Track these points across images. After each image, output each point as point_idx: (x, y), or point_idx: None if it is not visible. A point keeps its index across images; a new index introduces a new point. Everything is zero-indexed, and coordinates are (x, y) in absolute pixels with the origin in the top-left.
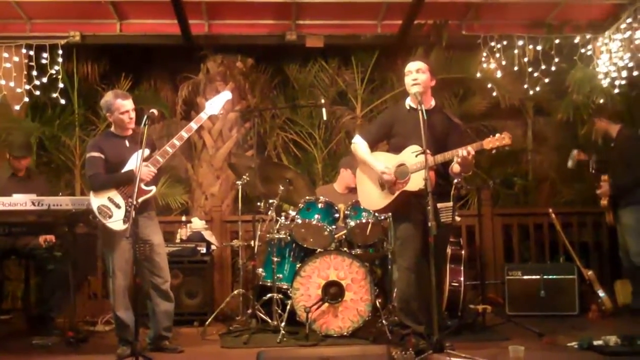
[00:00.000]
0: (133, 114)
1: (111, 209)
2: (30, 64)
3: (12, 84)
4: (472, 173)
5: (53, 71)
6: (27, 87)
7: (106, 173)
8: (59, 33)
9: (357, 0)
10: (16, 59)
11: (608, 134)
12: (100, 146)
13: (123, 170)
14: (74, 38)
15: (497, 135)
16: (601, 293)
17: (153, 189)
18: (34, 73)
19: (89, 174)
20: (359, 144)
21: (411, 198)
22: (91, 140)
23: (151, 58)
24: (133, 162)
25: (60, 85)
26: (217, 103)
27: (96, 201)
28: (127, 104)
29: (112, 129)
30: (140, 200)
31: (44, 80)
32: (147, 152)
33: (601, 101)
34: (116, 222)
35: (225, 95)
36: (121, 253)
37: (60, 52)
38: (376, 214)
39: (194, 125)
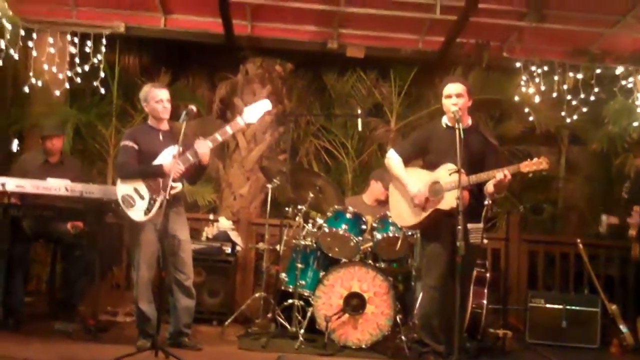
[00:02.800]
0: (168, 105)
1: (135, 199)
2: (74, 51)
3: (54, 69)
4: (502, 196)
5: (95, 60)
6: (69, 73)
7: (138, 164)
8: (104, 23)
9: (401, 14)
10: (60, 45)
11: None
12: (135, 136)
13: (153, 164)
14: (119, 29)
15: (535, 159)
16: (624, 328)
17: (179, 185)
18: (77, 60)
19: (118, 161)
20: (393, 159)
21: (442, 217)
22: (128, 130)
23: (191, 54)
24: (164, 157)
25: (101, 74)
26: (255, 111)
27: (122, 189)
28: (161, 94)
29: (149, 121)
30: (165, 195)
31: (86, 68)
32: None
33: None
34: (137, 212)
35: (265, 104)
36: (147, 246)
37: (104, 41)
38: (404, 230)
39: (229, 129)
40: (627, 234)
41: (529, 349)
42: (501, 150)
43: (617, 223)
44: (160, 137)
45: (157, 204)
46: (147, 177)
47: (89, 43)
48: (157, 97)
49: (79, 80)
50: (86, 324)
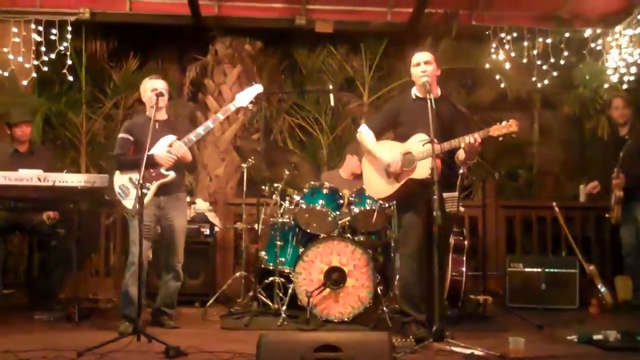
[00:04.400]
0: (164, 94)
1: (129, 189)
2: (39, 39)
3: (20, 58)
4: (477, 164)
5: (62, 48)
6: (36, 62)
7: (136, 154)
8: (69, 9)
9: None
10: (25, 34)
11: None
12: (129, 128)
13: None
14: (84, 15)
15: (504, 122)
16: (602, 288)
17: (171, 173)
18: (43, 49)
19: (114, 154)
20: (364, 133)
21: (416, 187)
22: (125, 122)
23: (159, 37)
24: (158, 146)
25: (69, 62)
26: (247, 95)
27: (119, 180)
28: (156, 83)
29: (147, 111)
30: (157, 183)
31: (52, 56)
32: (172, 137)
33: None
34: (131, 201)
35: (256, 88)
36: (138, 231)
37: (69, 28)
38: (380, 202)
39: (220, 115)
40: (613, 195)
41: (509, 313)
42: (470, 117)
43: (598, 189)
44: (157, 127)
45: (150, 192)
46: (139, 167)
47: (54, 31)
48: (152, 86)
49: (46, 68)
50: (67, 312)
